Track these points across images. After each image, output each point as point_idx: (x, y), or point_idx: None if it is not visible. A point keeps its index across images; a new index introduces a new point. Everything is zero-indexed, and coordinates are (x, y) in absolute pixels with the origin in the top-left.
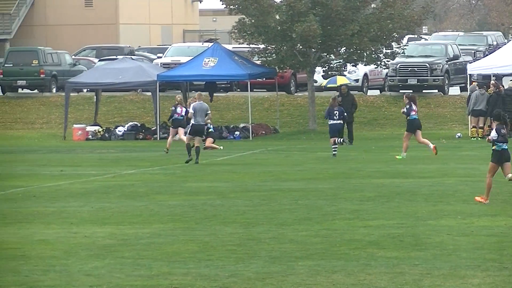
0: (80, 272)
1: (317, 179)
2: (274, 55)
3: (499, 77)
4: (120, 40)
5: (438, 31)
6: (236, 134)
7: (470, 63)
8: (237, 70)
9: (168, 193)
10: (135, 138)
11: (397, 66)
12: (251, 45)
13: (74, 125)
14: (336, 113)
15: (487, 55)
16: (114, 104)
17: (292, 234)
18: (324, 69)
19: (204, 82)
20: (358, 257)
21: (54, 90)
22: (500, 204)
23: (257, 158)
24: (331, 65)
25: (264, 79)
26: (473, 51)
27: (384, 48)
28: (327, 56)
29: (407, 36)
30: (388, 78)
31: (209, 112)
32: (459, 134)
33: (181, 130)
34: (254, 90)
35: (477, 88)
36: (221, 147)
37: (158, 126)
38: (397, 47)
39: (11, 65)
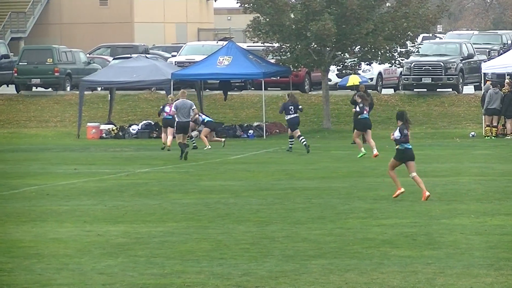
0: (93, 271)
1: (331, 177)
2: (288, 53)
3: None
4: (134, 38)
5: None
6: (250, 133)
7: (484, 62)
8: (252, 69)
9: (182, 191)
10: (149, 137)
11: (412, 65)
12: (266, 44)
13: (88, 124)
14: (291, 108)
15: (501, 54)
16: (128, 102)
17: (306, 233)
18: (338, 67)
19: (218, 81)
20: (371, 256)
21: (68, 88)
22: None
23: (271, 157)
24: (346, 64)
25: (278, 77)
26: (487, 50)
27: (398, 47)
28: (342, 55)
29: (421, 35)
30: (403, 77)
31: (194, 107)
32: (473, 133)
33: (170, 130)
34: (269, 88)
35: (491, 87)
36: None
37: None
38: (412, 46)
39: (26, 63)
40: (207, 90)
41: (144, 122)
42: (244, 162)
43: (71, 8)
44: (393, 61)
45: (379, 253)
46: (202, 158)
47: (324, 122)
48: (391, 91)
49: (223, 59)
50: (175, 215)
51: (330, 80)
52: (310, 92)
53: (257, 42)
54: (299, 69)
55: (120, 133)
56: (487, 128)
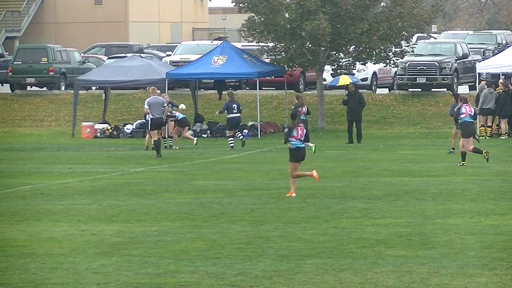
0: (87, 270)
1: (325, 177)
2: (283, 53)
3: (508, 76)
4: (129, 38)
5: (447, 29)
6: (244, 132)
7: (479, 61)
8: (246, 68)
9: (176, 191)
10: (143, 136)
11: (406, 65)
12: (261, 43)
13: (83, 123)
14: (235, 106)
15: (496, 54)
16: (123, 102)
17: (300, 233)
18: (333, 67)
19: (213, 80)
20: (365, 256)
21: (63, 87)
22: (508, 203)
23: (265, 156)
24: (340, 63)
25: (273, 77)
26: (482, 50)
27: (393, 47)
28: (337, 54)
29: (416, 35)
30: (397, 76)
31: (165, 105)
32: None
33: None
34: (263, 88)
35: (485, 87)
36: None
37: (167, 124)
38: (407, 46)
39: (20, 62)
40: (202, 89)
41: (139, 121)
42: (238, 161)
43: (66, 7)
44: (387, 61)
45: (373, 252)
46: (196, 157)
47: (319, 122)
48: (385, 91)
49: (217, 59)
50: (170, 214)
51: (324, 80)
52: (304, 92)
53: (251, 41)
54: (294, 68)
55: (115, 133)
56: (481, 128)
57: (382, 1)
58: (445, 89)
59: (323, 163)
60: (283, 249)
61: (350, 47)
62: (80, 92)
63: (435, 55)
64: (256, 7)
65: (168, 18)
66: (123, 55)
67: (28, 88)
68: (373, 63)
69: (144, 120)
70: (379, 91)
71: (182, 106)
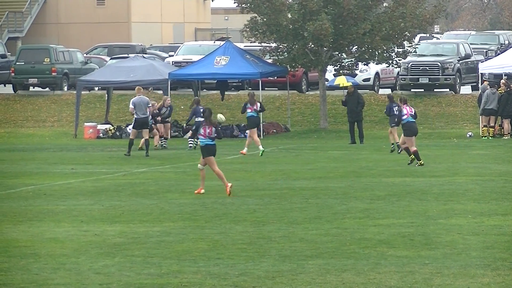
0: (90, 270)
1: (328, 178)
2: (285, 53)
3: (510, 76)
4: (132, 38)
5: (450, 30)
6: (247, 133)
7: (481, 62)
8: (249, 69)
9: (179, 191)
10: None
11: (409, 65)
12: (263, 44)
13: (85, 123)
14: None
15: (498, 54)
16: (126, 102)
17: (303, 233)
18: (335, 68)
19: (215, 81)
20: (368, 256)
21: (65, 88)
22: (511, 204)
23: (268, 157)
24: (343, 63)
25: (275, 77)
26: (484, 50)
27: (396, 47)
28: (339, 54)
29: (419, 35)
30: (400, 77)
31: (150, 105)
32: (470, 133)
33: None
34: (266, 88)
35: (488, 87)
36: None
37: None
38: (409, 46)
39: (23, 63)
40: (204, 90)
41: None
42: (241, 162)
43: (68, 7)
44: (390, 61)
45: (376, 253)
46: (199, 158)
47: (321, 122)
48: (388, 91)
49: (220, 59)
50: (172, 215)
51: (327, 80)
52: (307, 92)
53: (254, 42)
54: (296, 69)
55: (117, 133)
56: (484, 128)
57: (384, 2)
58: (448, 90)
59: (326, 164)
60: (286, 249)
61: (353, 47)
62: (82, 92)
63: (437, 55)
64: (258, 7)
65: (170, 19)
66: (126, 55)
67: (31, 88)
68: (376, 64)
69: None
70: (381, 91)
71: (220, 116)
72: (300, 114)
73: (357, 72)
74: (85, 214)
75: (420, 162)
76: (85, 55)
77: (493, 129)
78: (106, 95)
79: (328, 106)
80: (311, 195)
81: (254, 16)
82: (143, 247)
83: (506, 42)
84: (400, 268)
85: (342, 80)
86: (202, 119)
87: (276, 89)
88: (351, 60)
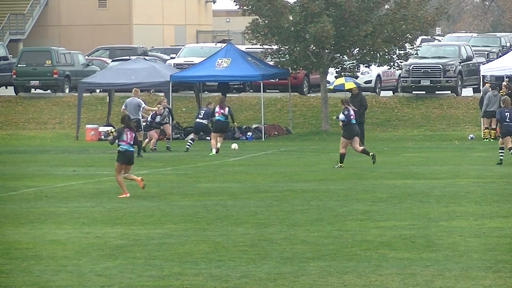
0: (91, 273)
1: (329, 180)
2: (287, 56)
3: None
4: (133, 40)
5: (451, 32)
6: (248, 135)
7: (483, 64)
8: (250, 71)
9: (180, 193)
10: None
11: (410, 67)
12: (265, 46)
13: (87, 125)
14: (202, 112)
15: (500, 56)
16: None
17: (304, 235)
18: (337, 70)
19: (217, 83)
20: (369, 258)
21: (67, 90)
22: None
23: (269, 159)
24: (344, 66)
25: (277, 80)
26: (486, 52)
27: (397, 49)
28: (340, 57)
29: (420, 37)
30: (401, 79)
31: (143, 106)
32: (471, 136)
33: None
34: (267, 91)
35: (490, 89)
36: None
37: (171, 126)
38: (410, 48)
39: (24, 65)
40: (206, 92)
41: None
42: (242, 164)
43: (70, 10)
44: (391, 64)
45: (377, 255)
46: (200, 160)
47: (323, 124)
48: (389, 93)
49: (221, 61)
50: (174, 217)
51: (328, 82)
52: (308, 94)
53: (255, 44)
54: (298, 71)
55: None
56: (485, 130)
57: (386, 4)
58: (449, 92)
59: (327, 166)
60: (287, 251)
61: (354, 49)
62: (84, 94)
63: (439, 57)
64: (260, 9)
65: (172, 21)
66: (127, 57)
67: (32, 90)
68: (377, 66)
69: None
70: (383, 93)
71: (234, 146)
72: (302, 116)
73: (358, 74)
74: (86, 216)
75: (341, 164)
76: (86, 57)
77: (495, 131)
78: (108, 97)
79: (329, 108)
80: (313, 197)
81: (256, 18)
82: (145, 249)
83: (508, 44)
84: (402, 270)
85: (341, 81)
86: (201, 120)
87: (278, 91)
88: (353, 62)
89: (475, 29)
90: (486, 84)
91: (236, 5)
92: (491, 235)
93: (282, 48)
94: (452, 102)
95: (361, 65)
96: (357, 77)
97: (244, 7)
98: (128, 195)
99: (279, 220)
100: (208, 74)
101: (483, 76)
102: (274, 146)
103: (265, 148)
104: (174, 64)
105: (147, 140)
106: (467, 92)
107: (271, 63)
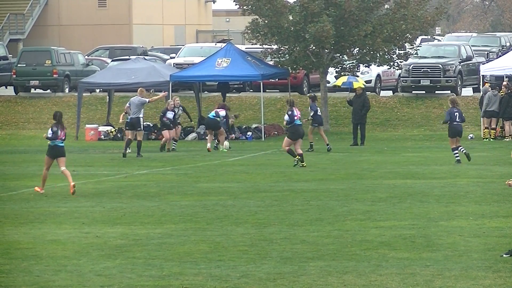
0: (91, 272)
1: (329, 180)
2: (287, 55)
3: (511, 78)
4: (133, 40)
5: (451, 32)
6: (248, 135)
7: (483, 64)
8: (250, 71)
9: (180, 193)
10: (147, 139)
11: (410, 67)
12: (264, 46)
13: (87, 125)
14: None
15: (500, 56)
16: (127, 104)
17: (304, 235)
18: (337, 69)
19: (217, 83)
20: (369, 258)
21: (67, 90)
22: None
23: (269, 159)
24: (344, 65)
25: (277, 79)
26: (486, 52)
27: (397, 49)
28: (340, 56)
29: (420, 37)
30: (401, 79)
31: (147, 100)
32: (471, 135)
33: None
34: (267, 90)
35: (489, 89)
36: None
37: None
38: (410, 48)
39: (24, 65)
40: (206, 92)
41: (143, 123)
42: (242, 164)
43: (70, 9)
44: (391, 63)
45: (377, 255)
46: (200, 160)
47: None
48: (389, 93)
49: (221, 61)
50: (173, 217)
51: (328, 82)
52: (308, 94)
53: (255, 44)
54: (298, 71)
55: (119, 135)
56: (485, 130)
57: (386, 4)
58: (449, 91)
59: (327, 165)
60: (287, 251)
61: (354, 49)
62: (84, 94)
63: (439, 57)
64: (260, 9)
65: (172, 21)
66: (127, 57)
67: (32, 90)
68: (377, 66)
69: (147, 123)
70: (383, 93)
71: (226, 144)
72: (302, 116)
73: (358, 74)
74: (86, 216)
75: (303, 164)
76: (86, 57)
77: (495, 131)
78: (108, 97)
79: (329, 108)
80: (312, 197)
81: (256, 18)
82: (144, 249)
83: (508, 44)
84: (401, 270)
85: (343, 80)
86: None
87: (278, 91)
88: (353, 62)
89: (474, 29)
90: (486, 84)
91: (236, 5)
92: (491, 235)
93: (282, 48)
94: None
95: (361, 65)
96: (357, 77)
97: (244, 7)
98: (42, 191)
99: (279, 220)
100: (208, 74)
101: (483, 76)
102: (274, 146)
103: (265, 148)
104: (174, 64)
105: (163, 139)
106: (467, 92)
107: (271, 63)
